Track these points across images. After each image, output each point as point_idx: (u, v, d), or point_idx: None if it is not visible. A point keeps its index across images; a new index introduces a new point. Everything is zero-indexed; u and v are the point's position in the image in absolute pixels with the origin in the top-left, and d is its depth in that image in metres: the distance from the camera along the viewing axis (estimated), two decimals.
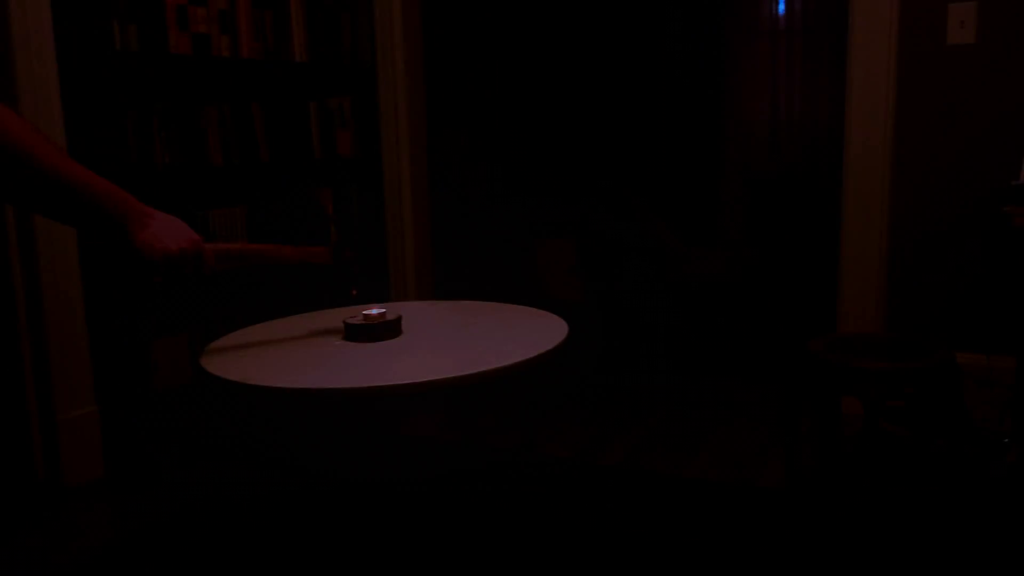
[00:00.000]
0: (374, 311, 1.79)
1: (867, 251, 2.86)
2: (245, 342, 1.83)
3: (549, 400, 3.22)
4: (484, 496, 2.42)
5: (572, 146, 5.28)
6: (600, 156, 5.31)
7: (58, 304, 2.49)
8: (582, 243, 5.12)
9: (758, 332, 4.23)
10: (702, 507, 2.29)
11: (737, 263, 5.19)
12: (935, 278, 2.81)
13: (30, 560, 2.14)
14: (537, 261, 5.14)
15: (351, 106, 3.46)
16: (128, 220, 1.43)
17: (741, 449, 2.70)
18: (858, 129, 2.83)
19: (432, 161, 3.82)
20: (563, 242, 5.10)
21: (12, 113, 1.31)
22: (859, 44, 2.79)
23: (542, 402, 3.19)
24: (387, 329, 1.77)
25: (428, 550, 2.11)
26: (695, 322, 4.52)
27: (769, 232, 5.10)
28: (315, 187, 3.35)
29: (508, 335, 1.81)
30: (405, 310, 1.94)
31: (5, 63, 2.36)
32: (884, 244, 2.84)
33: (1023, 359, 2.33)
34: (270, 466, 2.72)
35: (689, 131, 5.21)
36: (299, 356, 1.72)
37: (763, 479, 2.46)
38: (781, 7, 5.03)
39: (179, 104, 2.77)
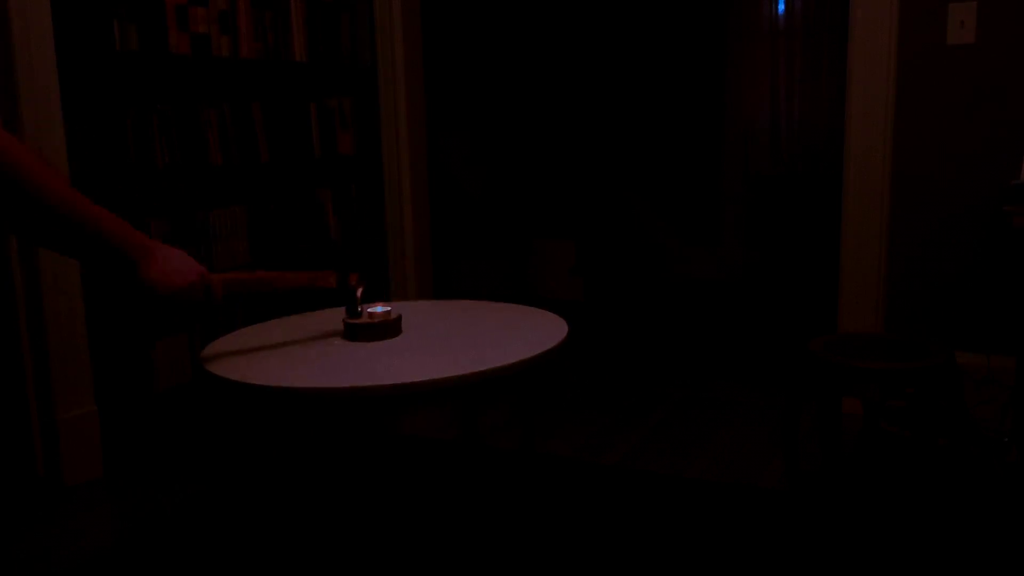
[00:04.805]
0: (374, 310, 1.79)
1: (867, 251, 2.86)
2: (245, 342, 1.82)
3: (549, 400, 3.22)
4: (484, 496, 2.42)
5: (572, 146, 5.28)
6: (600, 156, 5.31)
7: (58, 304, 2.49)
8: (582, 243, 5.13)
9: (758, 332, 4.23)
10: (702, 507, 2.29)
11: (737, 263, 5.19)
12: (935, 278, 2.81)
13: (30, 560, 2.14)
14: (537, 261, 5.15)
15: (351, 106, 3.46)
16: (136, 257, 1.41)
17: (741, 449, 2.70)
18: (858, 129, 2.83)
19: (432, 161, 3.82)
20: (563, 242, 5.11)
21: (24, 146, 1.27)
22: (859, 44, 2.79)
23: (542, 402, 3.19)
24: (387, 328, 1.77)
25: (428, 550, 2.11)
26: (695, 322, 4.52)
27: (769, 232, 5.10)
28: (315, 187, 3.35)
29: (508, 334, 1.81)
30: (405, 309, 1.94)
31: (5, 64, 2.36)
32: (884, 244, 2.84)
33: (1023, 359, 2.33)
34: (269, 466, 2.72)
35: (689, 131, 5.21)
36: (299, 356, 1.72)
37: (763, 479, 2.46)
38: (781, 7, 5.03)
39: (179, 104, 2.77)
